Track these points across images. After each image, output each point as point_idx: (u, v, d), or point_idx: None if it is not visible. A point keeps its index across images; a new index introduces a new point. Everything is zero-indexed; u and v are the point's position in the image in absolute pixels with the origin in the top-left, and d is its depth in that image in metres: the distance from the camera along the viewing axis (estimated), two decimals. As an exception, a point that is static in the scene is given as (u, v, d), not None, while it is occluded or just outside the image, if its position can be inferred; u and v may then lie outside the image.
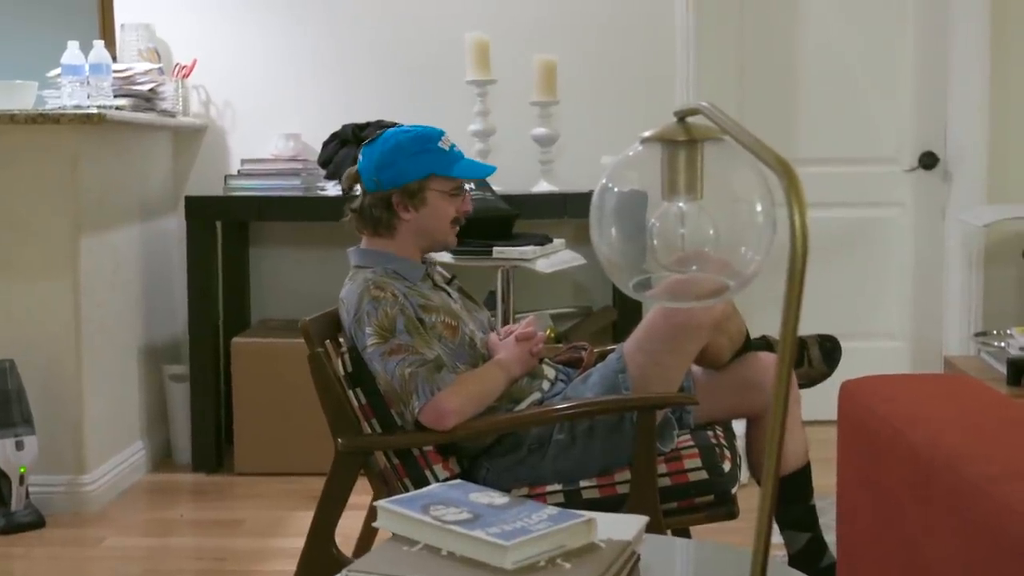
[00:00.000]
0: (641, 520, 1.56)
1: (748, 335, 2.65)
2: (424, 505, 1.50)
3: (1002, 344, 3.42)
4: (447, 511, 1.48)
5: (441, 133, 2.51)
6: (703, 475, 2.34)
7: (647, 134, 1.50)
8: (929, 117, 4.39)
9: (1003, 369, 3.05)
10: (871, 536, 1.59)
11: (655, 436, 2.29)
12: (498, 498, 1.54)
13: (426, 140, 2.47)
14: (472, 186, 3.67)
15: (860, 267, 4.47)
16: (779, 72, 4.42)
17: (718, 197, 1.47)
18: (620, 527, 1.52)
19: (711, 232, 1.47)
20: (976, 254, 4.32)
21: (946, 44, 4.33)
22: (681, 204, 1.45)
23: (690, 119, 1.43)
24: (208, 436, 3.98)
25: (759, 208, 1.45)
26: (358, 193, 2.53)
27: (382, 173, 2.45)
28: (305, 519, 3.38)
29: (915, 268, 4.47)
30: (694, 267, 1.47)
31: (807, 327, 2.69)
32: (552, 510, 1.50)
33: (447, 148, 2.48)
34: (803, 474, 2.59)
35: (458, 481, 1.64)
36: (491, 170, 2.66)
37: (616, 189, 1.51)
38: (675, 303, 1.56)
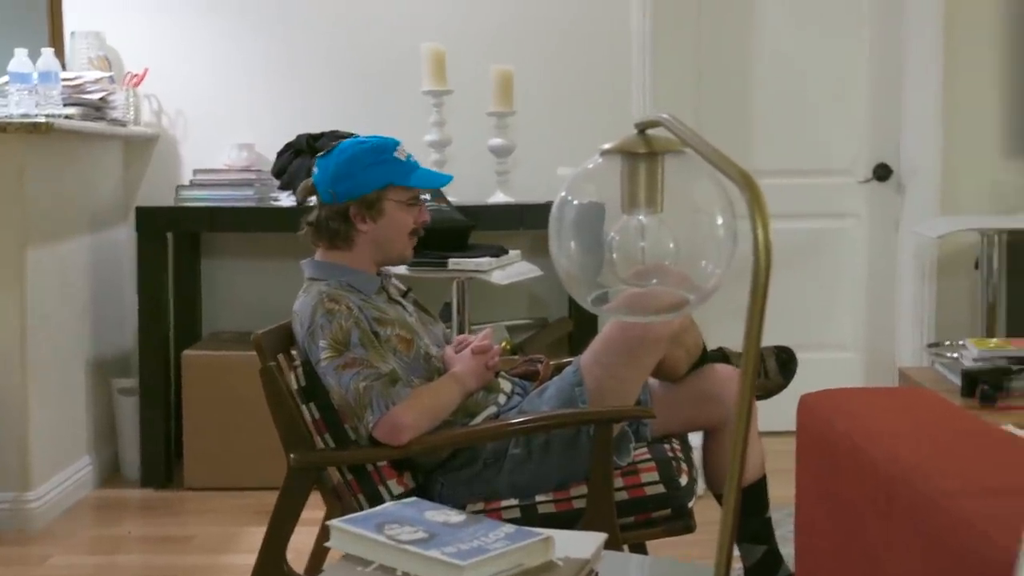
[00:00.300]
0: (599, 537, 1.53)
1: (705, 347, 2.64)
2: (378, 524, 1.47)
3: (955, 355, 3.44)
4: (402, 530, 1.45)
5: (397, 143, 2.48)
6: (660, 489, 2.33)
7: (607, 146, 1.48)
8: (883, 129, 4.43)
9: (957, 380, 3.07)
10: (830, 550, 1.57)
11: (612, 450, 2.27)
12: (454, 516, 1.51)
13: (382, 150, 2.45)
14: (428, 197, 3.64)
15: (814, 278, 4.49)
16: (735, 84, 4.44)
17: (678, 210, 1.46)
18: (578, 544, 1.50)
19: (671, 245, 1.46)
20: (929, 265, 4.36)
21: (900, 57, 4.37)
22: (641, 217, 1.44)
23: (650, 131, 1.41)
24: (157, 450, 3.91)
25: (720, 221, 1.43)
26: (314, 205, 2.50)
27: (338, 185, 2.42)
28: (257, 535, 3.33)
29: (868, 279, 4.49)
30: (654, 281, 1.45)
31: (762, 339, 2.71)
32: (509, 528, 1.47)
33: (403, 158, 2.46)
34: (760, 486, 2.59)
35: (413, 499, 1.60)
36: (448, 179, 2.63)
37: (575, 201, 1.49)
38: (633, 317, 1.54)
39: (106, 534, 3.51)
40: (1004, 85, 4.31)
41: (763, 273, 1.11)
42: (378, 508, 1.56)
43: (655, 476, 2.34)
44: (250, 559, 2.36)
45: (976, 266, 4.19)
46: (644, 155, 1.42)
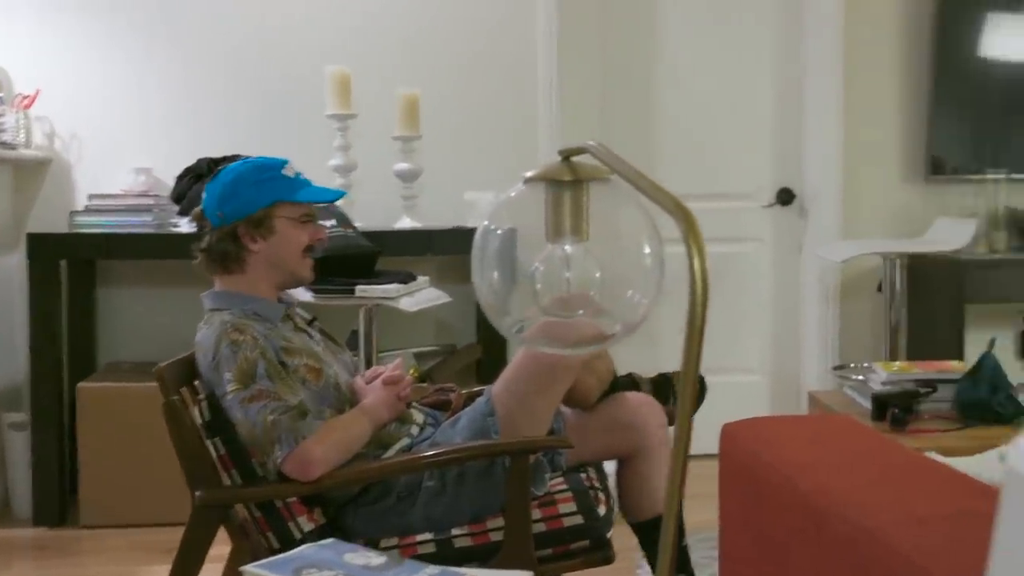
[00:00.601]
0: (524, 576, 1.49)
1: (616, 374, 2.62)
2: (296, 568, 1.40)
3: (861, 378, 3.47)
4: (321, 575, 1.38)
5: (284, 162, 2.43)
6: (578, 520, 2.29)
7: (530, 174, 1.44)
8: (785, 154, 4.49)
9: (867, 404, 3.09)
10: (758, 583, 1.55)
11: (528, 481, 2.23)
12: (374, 558, 1.45)
13: (267, 169, 2.40)
14: (333, 223, 3.58)
15: (719, 302, 4.49)
16: (640, 110, 4.46)
17: (604, 239, 1.43)
18: (503, 584, 1.45)
19: (597, 275, 1.43)
20: (832, 289, 4.42)
21: (801, 82, 4.44)
22: (566, 247, 1.41)
23: (575, 158, 1.38)
24: (51, 487, 3.74)
25: (647, 250, 1.41)
26: (205, 232, 2.42)
27: (225, 206, 2.36)
28: (157, 574, 3.22)
29: (773, 303, 4.54)
30: (580, 312, 1.42)
31: (669, 363, 2.68)
32: (433, 570, 1.42)
33: (291, 175, 2.41)
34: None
35: (331, 540, 1.54)
36: (339, 194, 2.57)
37: (498, 231, 1.45)
38: (553, 349, 1.50)
39: (-4, 577, 3.35)
40: (904, 110, 4.41)
41: (700, 303, 1.08)
42: (295, 552, 1.49)
43: (573, 507, 2.30)
44: (152, 601, 2.27)
45: (879, 289, 4.26)
46: (569, 183, 1.39)
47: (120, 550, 3.49)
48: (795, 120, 4.46)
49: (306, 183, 2.43)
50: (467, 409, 2.46)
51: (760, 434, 1.63)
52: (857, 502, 1.30)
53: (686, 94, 4.46)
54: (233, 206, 2.35)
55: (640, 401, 2.58)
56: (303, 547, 1.52)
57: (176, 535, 3.30)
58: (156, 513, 3.63)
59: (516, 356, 2.44)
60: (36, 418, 3.74)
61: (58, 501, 3.75)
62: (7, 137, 3.89)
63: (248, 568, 1.41)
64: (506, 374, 2.41)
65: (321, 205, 2.66)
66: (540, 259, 1.44)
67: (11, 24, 4.13)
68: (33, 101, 4.10)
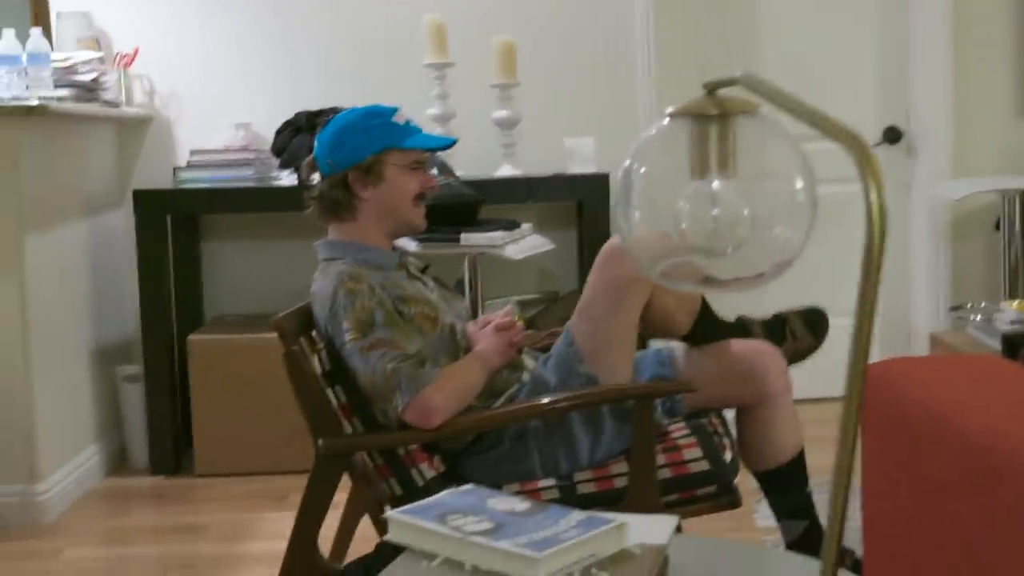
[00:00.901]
0: (671, 521, 1.46)
1: (705, 300, 2.52)
2: (440, 515, 1.39)
3: (976, 317, 3.36)
4: (466, 520, 1.37)
5: (395, 109, 2.41)
6: (705, 465, 2.25)
7: (674, 109, 1.40)
8: (892, 91, 4.35)
9: (994, 344, 2.99)
10: (912, 537, 1.50)
11: (652, 426, 2.20)
12: (518, 504, 1.43)
13: (377, 115, 2.38)
14: (435, 172, 3.56)
15: (826, 244, 4.40)
16: (740, 50, 4.35)
17: (752, 175, 1.38)
18: (649, 529, 1.42)
19: (745, 212, 1.38)
20: (943, 228, 4.29)
21: (908, 15, 4.29)
22: (713, 183, 1.36)
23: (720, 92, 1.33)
24: (165, 438, 3.81)
25: (799, 185, 1.36)
26: (317, 182, 2.42)
27: (335, 154, 2.35)
28: (272, 521, 3.28)
29: (881, 244, 4.42)
30: (729, 250, 1.38)
31: (776, 304, 2.61)
32: (579, 515, 1.40)
33: (402, 122, 2.39)
34: (799, 461, 2.50)
35: (470, 486, 1.52)
36: (449, 141, 2.55)
37: (641, 170, 1.41)
38: (703, 288, 1.46)
39: (118, 525, 3.42)
40: (1017, 43, 4.23)
41: (878, 240, 1.03)
42: (435, 498, 1.48)
43: (698, 452, 2.26)
44: (267, 547, 2.28)
45: (997, 227, 4.12)
46: (716, 117, 1.34)
47: (234, 498, 3.55)
48: (901, 56, 4.31)
49: (416, 130, 2.41)
50: (554, 346, 2.44)
51: (908, 375, 1.57)
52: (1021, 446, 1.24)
53: (787, 31, 4.33)
54: (343, 153, 2.34)
55: (758, 349, 2.50)
56: (443, 493, 1.51)
57: (288, 483, 3.37)
58: (267, 461, 3.68)
59: (587, 283, 2.38)
60: (149, 370, 3.81)
61: (173, 451, 3.82)
62: (109, 96, 3.93)
63: (392, 514, 1.41)
64: (580, 302, 2.36)
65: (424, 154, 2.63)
66: (685, 197, 1.40)
67: (110, -17, 4.16)
68: (133, 60, 4.13)
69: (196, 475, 3.76)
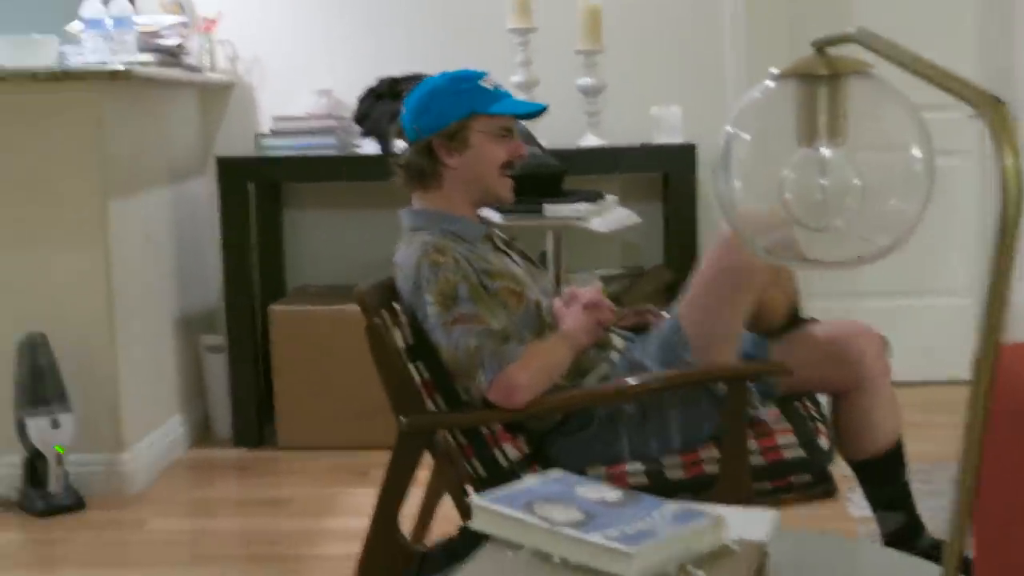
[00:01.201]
0: (772, 516, 1.37)
1: (799, 294, 2.43)
2: (527, 503, 1.32)
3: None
4: (554, 510, 1.30)
5: (483, 74, 2.31)
6: (799, 452, 2.15)
7: (779, 70, 1.30)
8: (994, 58, 4.15)
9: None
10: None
11: (744, 410, 2.10)
12: (609, 493, 1.36)
13: (464, 80, 2.29)
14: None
15: (927, 220, 4.24)
16: (833, 15, 4.18)
17: (865, 141, 1.28)
18: (748, 524, 1.34)
19: (856, 182, 1.28)
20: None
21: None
22: (822, 150, 1.27)
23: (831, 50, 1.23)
24: (248, 410, 3.80)
25: (916, 153, 1.25)
26: (403, 148, 2.35)
27: (420, 120, 2.27)
28: (354, 496, 3.25)
29: (982, 220, 4.24)
30: (838, 223, 1.29)
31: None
32: (674, 507, 1.32)
33: (489, 88, 2.29)
34: (896, 451, 2.38)
35: (559, 473, 1.45)
36: (539, 107, 2.40)
37: (745, 136, 1.32)
38: (805, 267, 1.36)
39: (202, 496, 3.43)
40: None
41: (1012, 216, 0.93)
42: (523, 484, 1.41)
43: (792, 439, 2.16)
44: (350, 522, 2.24)
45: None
46: (825, 78, 1.24)
47: (317, 472, 3.54)
48: (1005, 19, 4.11)
49: (505, 95, 2.32)
50: (655, 330, 2.34)
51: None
52: None
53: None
54: (427, 119, 2.27)
55: (855, 330, 2.38)
56: (529, 479, 1.44)
57: (370, 459, 3.33)
58: (350, 436, 3.65)
59: (698, 269, 2.28)
60: (232, 341, 3.80)
61: (256, 423, 3.81)
62: (192, 61, 3.91)
63: (477, 501, 1.34)
64: (689, 288, 2.26)
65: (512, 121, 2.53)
66: (791, 165, 1.30)
67: (192, -52, 4.14)
68: (215, 24, 4.10)
69: (279, 447, 3.74)
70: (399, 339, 2.22)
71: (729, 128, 1.32)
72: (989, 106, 0.95)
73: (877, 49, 1.16)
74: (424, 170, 2.29)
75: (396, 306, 2.29)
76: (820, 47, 1.28)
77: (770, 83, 1.31)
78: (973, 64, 4.17)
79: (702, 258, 2.28)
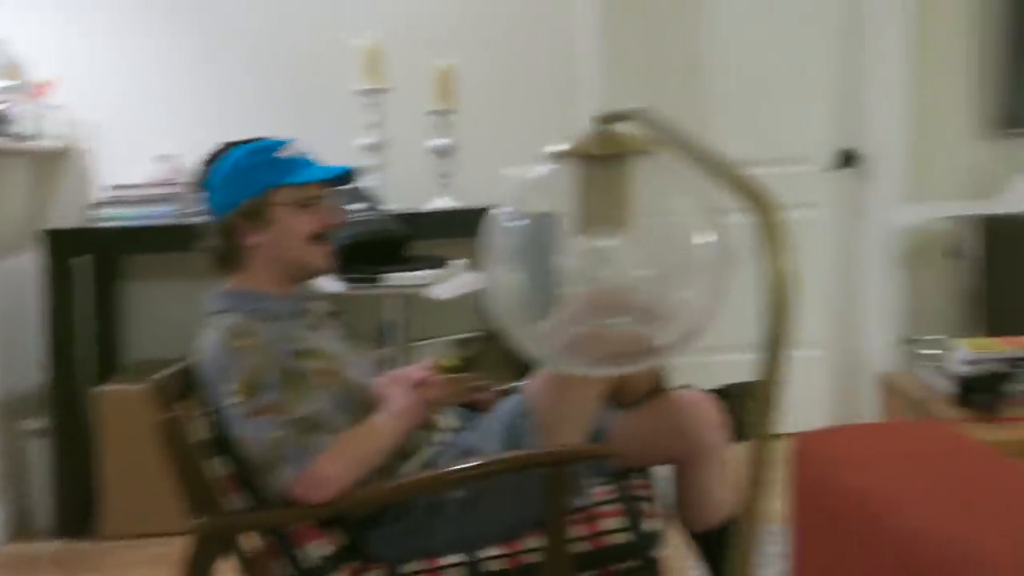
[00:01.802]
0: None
1: (663, 371, 2.33)
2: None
3: (934, 352, 3.15)
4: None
5: (280, 143, 2.15)
6: (625, 537, 2.02)
7: (556, 148, 1.17)
8: (846, 113, 4.17)
9: (945, 386, 2.78)
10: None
11: (567, 495, 1.97)
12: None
13: (258, 152, 2.13)
14: (362, 206, 3.35)
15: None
16: (689, 72, 4.15)
17: (650, 228, 1.15)
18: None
19: (640, 274, 1.15)
20: (898, 257, 4.10)
21: (863, 33, 4.11)
22: (603, 238, 1.13)
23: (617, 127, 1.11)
24: (73, 497, 3.54)
25: (707, 240, 1.13)
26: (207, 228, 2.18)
27: (216, 199, 2.12)
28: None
29: (834, 272, 4.24)
30: (622, 319, 1.16)
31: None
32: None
33: (286, 156, 2.12)
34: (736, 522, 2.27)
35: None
36: (341, 170, 2.20)
37: (519, 222, 1.19)
38: (586, 369, 1.23)
39: (19, 595, 3.17)
40: (976, 61, 4.05)
41: (780, 317, 0.81)
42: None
43: (620, 521, 2.04)
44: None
45: (950, 255, 3.93)
46: (606, 158, 1.11)
47: (145, 563, 3.29)
48: (856, 75, 4.13)
49: (305, 163, 2.15)
50: (498, 410, 2.20)
51: (840, 451, 1.35)
52: (969, 553, 1.02)
53: (739, 52, 4.14)
54: (223, 198, 2.11)
55: (691, 400, 2.29)
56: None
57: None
58: (179, 522, 3.39)
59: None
60: (56, 424, 3.54)
61: (81, 511, 3.54)
62: (22, 128, 3.69)
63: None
64: (542, 370, 2.14)
65: (338, 188, 2.37)
66: (569, 255, 1.18)
67: (27, 10, 3.92)
68: (48, 89, 3.89)
69: (104, 537, 3.48)
70: (199, 432, 2.04)
71: (501, 209, 1.20)
72: (759, 204, 0.83)
73: (655, 129, 1.04)
74: (226, 252, 2.13)
75: (198, 396, 2.11)
76: (604, 122, 1.15)
77: (547, 163, 1.20)
78: (828, 118, 4.18)
79: None
